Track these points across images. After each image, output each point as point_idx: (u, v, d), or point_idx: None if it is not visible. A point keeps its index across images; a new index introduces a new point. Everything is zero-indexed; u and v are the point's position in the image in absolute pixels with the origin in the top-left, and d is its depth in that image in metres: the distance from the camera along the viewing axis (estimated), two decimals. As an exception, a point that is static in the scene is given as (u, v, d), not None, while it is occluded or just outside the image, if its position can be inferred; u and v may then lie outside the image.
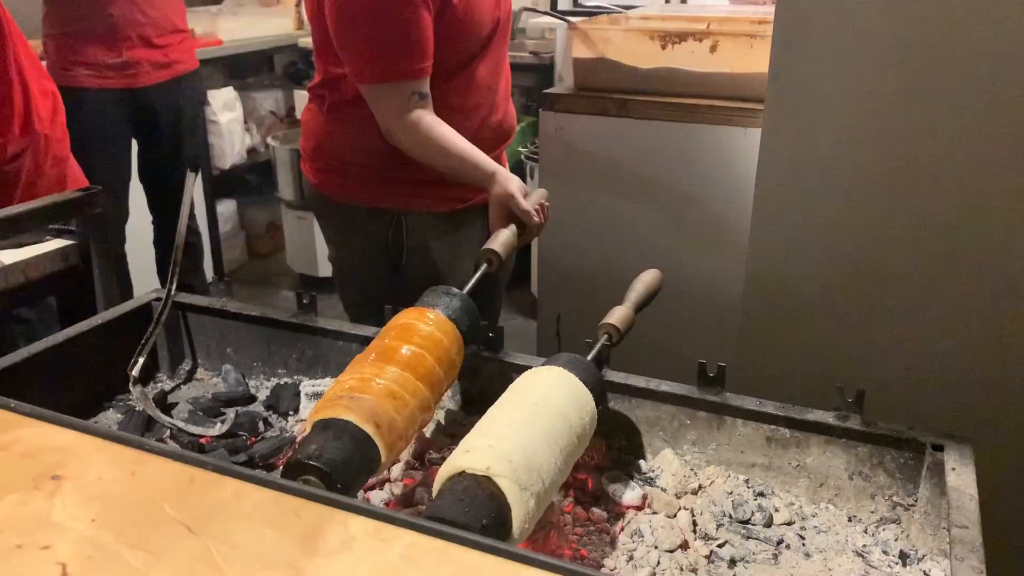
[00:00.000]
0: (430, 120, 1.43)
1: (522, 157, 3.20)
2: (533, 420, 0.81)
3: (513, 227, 1.28)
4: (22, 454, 0.45)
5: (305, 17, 3.75)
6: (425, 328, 0.96)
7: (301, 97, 3.69)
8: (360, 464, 0.80)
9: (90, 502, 0.42)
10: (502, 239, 1.22)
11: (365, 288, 1.63)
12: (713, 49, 1.72)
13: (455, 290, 1.05)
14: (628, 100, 1.82)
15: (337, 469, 0.76)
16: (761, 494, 0.97)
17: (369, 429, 0.81)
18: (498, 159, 1.61)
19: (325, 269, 3.38)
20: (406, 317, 0.99)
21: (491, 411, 0.85)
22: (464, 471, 0.73)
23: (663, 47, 1.76)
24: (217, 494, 0.43)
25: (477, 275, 1.14)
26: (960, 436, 0.92)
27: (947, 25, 1.15)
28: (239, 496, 0.43)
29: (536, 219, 1.39)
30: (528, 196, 1.43)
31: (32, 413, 0.49)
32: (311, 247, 3.47)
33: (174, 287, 1.23)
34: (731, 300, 1.49)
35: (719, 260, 1.80)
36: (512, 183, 1.40)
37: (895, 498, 0.94)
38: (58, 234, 1.28)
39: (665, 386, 1.03)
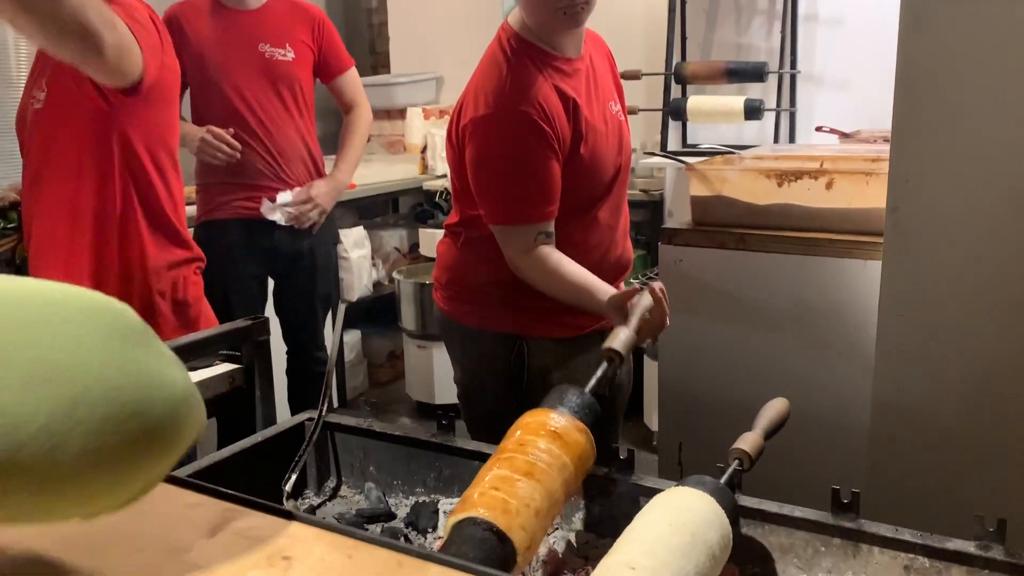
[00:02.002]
0: (552, 254, 1.54)
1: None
2: (690, 553, 0.84)
3: (630, 327, 1.28)
4: (256, 538, 0.54)
5: (429, 162, 4.04)
6: (554, 425, 1.00)
7: (425, 235, 3.92)
8: (497, 564, 0.85)
9: (318, 578, 0.50)
10: (622, 337, 1.23)
11: (488, 407, 1.71)
12: (829, 186, 1.79)
13: (577, 388, 1.08)
14: (746, 234, 1.90)
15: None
16: (902, 626, 0.96)
17: (503, 524, 0.86)
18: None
19: (442, 396, 3.48)
20: (533, 416, 1.03)
21: (648, 524, 0.88)
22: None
23: (779, 184, 1.84)
24: (422, 577, 0.50)
25: (599, 373, 1.15)
26: (1114, 570, 0.89)
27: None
28: (442, 579, 0.50)
29: (664, 306, 1.40)
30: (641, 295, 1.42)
31: (257, 505, 0.58)
32: (429, 375, 3.60)
33: (325, 408, 1.34)
34: (858, 429, 1.49)
35: (843, 389, 1.79)
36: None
37: (1047, 635, 0.91)
38: (225, 359, 1.42)
39: (799, 512, 1.04)
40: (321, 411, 1.34)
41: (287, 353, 3.05)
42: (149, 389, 0.53)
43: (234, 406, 1.47)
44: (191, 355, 1.35)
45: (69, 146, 1.72)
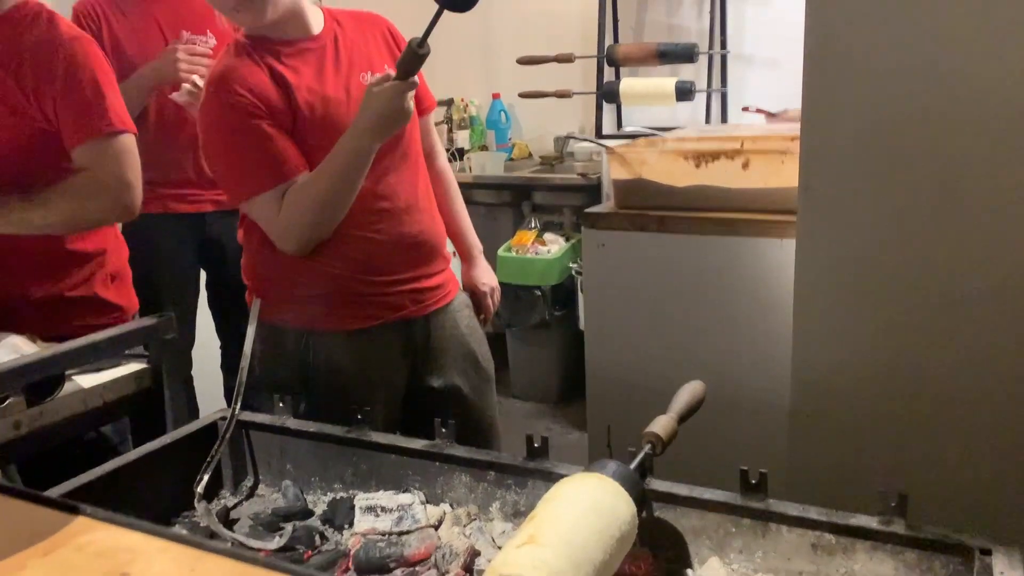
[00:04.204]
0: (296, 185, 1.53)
1: (572, 272, 3.29)
2: (601, 565, 0.83)
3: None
4: (95, 553, 0.51)
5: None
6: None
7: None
8: None
9: (154, 595, 0.48)
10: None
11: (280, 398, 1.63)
12: (745, 166, 1.80)
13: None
14: (666, 216, 1.90)
15: None
16: (811, 602, 0.97)
17: None
18: (430, 274, 1.68)
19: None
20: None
21: (572, 524, 0.86)
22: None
23: (697, 166, 1.84)
24: (268, 589, 0.48)
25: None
26: (1009, 540, 0.90)
27: (965, 136, 1.19)
28: (288, 590, 0.48)
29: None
30: None
31: (105, 518, 0.55)
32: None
33: (238, 406, 1.31)
34: (779, 408, 1.50)
35: (764, 368, 1.81)
36: None
37: (948, 605, 0.93)
38: (133, 358, 1.37)
39: (708, 494, 1.04)
40: (234, 409, 1.31)
41: (220, 348, 2.99)
42: None
43: (148, 407, 1.43)
44: (96, 355, 1.31)
45: None
